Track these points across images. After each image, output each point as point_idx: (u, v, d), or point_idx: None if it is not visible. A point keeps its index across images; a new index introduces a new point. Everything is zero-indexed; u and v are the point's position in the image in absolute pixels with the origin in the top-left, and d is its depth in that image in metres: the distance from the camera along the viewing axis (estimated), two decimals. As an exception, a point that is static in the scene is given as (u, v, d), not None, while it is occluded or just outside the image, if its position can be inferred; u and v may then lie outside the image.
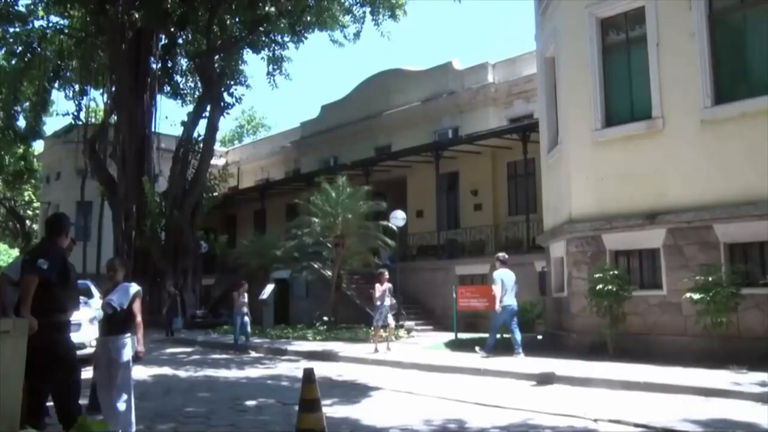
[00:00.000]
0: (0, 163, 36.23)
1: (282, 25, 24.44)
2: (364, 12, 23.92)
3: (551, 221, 13.33)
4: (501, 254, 12.29)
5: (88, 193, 29.45)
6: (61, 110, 42.12)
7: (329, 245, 18.02)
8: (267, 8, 23.07)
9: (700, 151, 10.22)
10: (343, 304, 18.30)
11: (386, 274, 13.41)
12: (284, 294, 21.23)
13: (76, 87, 27.81)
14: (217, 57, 24.50)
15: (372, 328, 13.64)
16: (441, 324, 17.52)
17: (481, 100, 23.17)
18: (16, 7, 24.71)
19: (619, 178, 11.12)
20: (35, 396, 4.80)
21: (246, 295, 15.07)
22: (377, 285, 13.18)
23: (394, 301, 13.72)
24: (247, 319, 14.83)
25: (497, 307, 11.23)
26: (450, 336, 14.43)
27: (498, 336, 11.51)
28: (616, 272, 10.52)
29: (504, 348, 11.30)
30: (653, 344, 10.19)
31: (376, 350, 12.64)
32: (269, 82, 25.87)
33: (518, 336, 11.07)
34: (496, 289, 11.34)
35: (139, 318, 5.48)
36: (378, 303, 13.02)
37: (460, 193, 21.93)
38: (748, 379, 7.86)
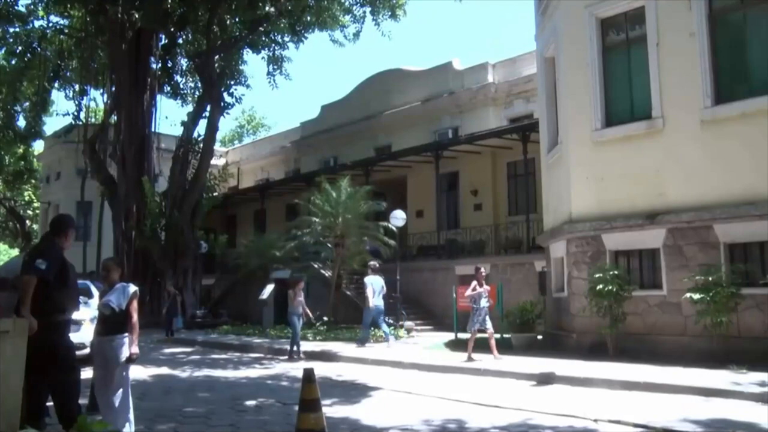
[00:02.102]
0: (0, 163, 36.24)
1: (282, 25, 24.44)
2: (364, 12, 23.92)
3: (551, 221, 13.32)
4: (372, 263, 15.09)
5: (88, 193, 29.45)
6: (61, 110, 42.21)
7: (329, 245, 18.01)
8: (267, 8, 23.07)
9: (700, 151, 10.22)
10: (343, 304, 18.29)
11: (483, 271, 11.80)
12: (284, 294, 21.21)
13: (76, 87, 27.79)
14: (217, 57, 24.47)
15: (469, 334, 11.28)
16: (441, 324, 17.50)
17: (481, 100, 23.16)
18: (16, 7, 24.71)
19: (619, 178, 11.12)
20: (35, 396, 4.80)
21: (302, 293, 13.64)
22: (473, 283, 11.43)
23: (492, 302, 11.65)
24: (303, 319, 13.54)
25: (370, 304, 13.77)
26: (450, 336, 14.44)
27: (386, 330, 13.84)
28: (616, 272, 10.53)
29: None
30: (653, 344, 10.19)
31: (470, 358, 10.80)
32: (269, 82, 25.88)
33: (386, 328, 13.93)
34: (368, 291, 13.91)
35: (135, 318, 5.48)
36: (474, 305, 11.27)
37: (460, 193, 21.92)
38: (748, 379, 7.86)
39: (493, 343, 11.03)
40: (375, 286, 14.05)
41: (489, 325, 11.15)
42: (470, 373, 9.93)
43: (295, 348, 12.97)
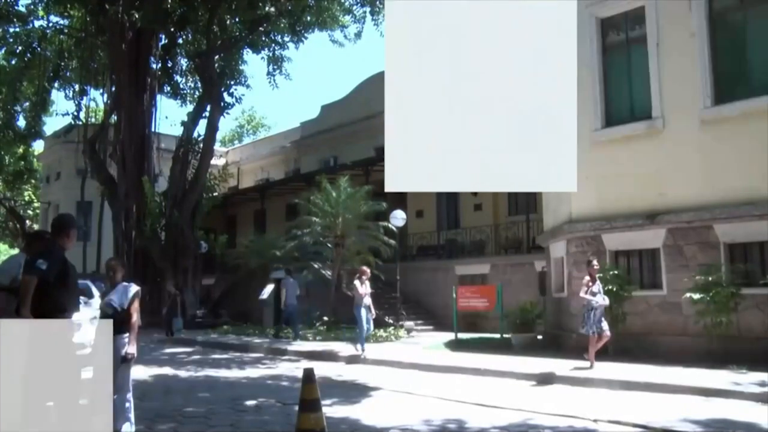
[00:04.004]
0: (0, 163, 36.21)
1: (282, 25, 24.42)
2: (364, 12, 23.90)
3: (551, 221, 13.32)
4: (286, 267, 17.55)
5: (88, 193, 29.43)
6: (61, 110, 42.10)
7: (329, 245, 18.02)
8: (267, 8, 23.04)
9: (700, 151, 10.23)
10: (342, 304, 18.27)
11: (596, 265, 9.90)
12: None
13: (76, 87, 27.75)
14: (217, 57, 24.47)
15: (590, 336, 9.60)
16: (441, 324, 17.51)
17: (481, 99, 23.14)
18: (16, 7, 24.73)
19: (619, 178, 11.12)
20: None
21: (368, 284, 12.52)
22: (585, 278, 9.76)
23: (606, 300, 9.81)
24: (370, 314, 12.38)
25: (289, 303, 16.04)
26: (450, 336, 14.43)
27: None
28: (616, 272, 10.54)
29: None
30: (653, 344, 10.20)
31: (591, 366, 9.37)
32: (269, 82, 25.85)
33: (297, 329, 15.96)
34: (282, 291, 16.27)
35: (135, 318, 5.47)
36: (585, 304, 9.67)
37: (460, 193, 21.90)
38: (748, 379, 7.86)
39: (599, 346, 9.63)
40: (289, 288, 16.05)
41: (605, 326, 9.60)
42: (470, 373, 9.93)
43: (358, 345, 12.19)
